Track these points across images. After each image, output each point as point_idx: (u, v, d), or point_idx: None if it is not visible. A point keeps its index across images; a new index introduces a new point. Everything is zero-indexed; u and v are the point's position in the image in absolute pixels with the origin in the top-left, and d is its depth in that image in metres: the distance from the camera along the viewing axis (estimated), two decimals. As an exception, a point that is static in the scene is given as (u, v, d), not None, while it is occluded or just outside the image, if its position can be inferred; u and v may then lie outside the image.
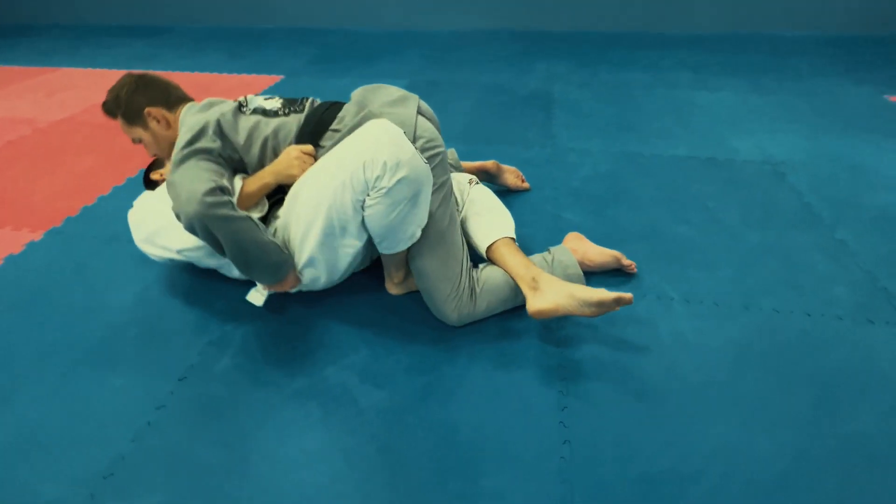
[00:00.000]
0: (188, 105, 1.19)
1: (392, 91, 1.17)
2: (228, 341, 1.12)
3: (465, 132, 2.17)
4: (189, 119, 1.12)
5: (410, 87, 2.68)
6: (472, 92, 2.65)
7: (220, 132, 1.09)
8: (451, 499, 0.79)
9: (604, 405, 0.94)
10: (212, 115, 1.10)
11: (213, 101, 1.19)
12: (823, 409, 0.92)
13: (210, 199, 0.93)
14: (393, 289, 1.22)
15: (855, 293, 1.20)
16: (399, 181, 0.92)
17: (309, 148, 1.08)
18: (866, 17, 3.32)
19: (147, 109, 1.15)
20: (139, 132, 1.19)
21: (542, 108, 2.40)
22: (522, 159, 1.86)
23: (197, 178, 0.97)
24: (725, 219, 1.50)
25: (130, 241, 1.25)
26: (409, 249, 1.08)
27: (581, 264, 1.18)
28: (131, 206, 1.24)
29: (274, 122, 1.12)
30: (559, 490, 0.80)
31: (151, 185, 1.34)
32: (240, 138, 1.10)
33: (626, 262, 1.25)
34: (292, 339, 1.13)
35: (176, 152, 1.04)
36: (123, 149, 2.11)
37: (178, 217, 0.99)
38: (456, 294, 1.06)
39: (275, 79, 2.95)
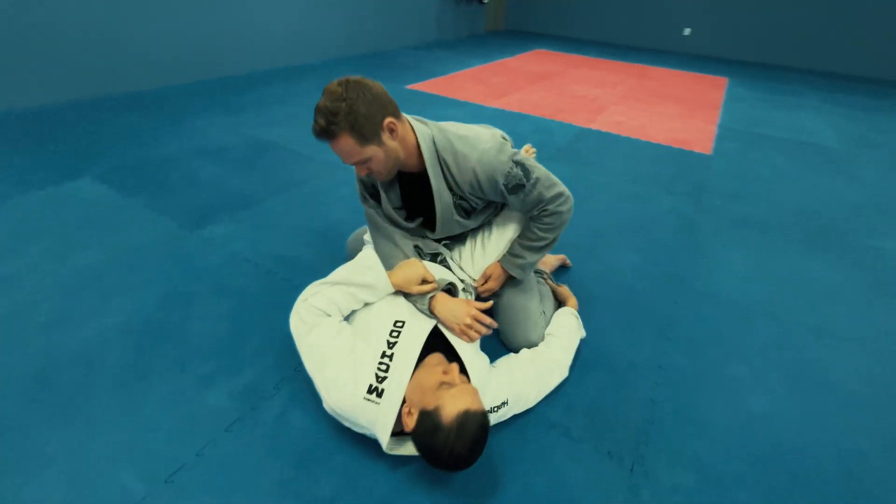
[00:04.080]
0: (415, 121, 1.11)
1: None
2: None
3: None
4: (458, 131, 1.12)
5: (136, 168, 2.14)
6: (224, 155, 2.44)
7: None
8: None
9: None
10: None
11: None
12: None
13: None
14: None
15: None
16: None
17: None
18: (371, 41, 5.16)
19: (387, 121, 0.99)
20: (372, 150, 1.00)
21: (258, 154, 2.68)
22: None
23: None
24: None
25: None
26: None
27: (544, 265, 1.65)
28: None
29: None
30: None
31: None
32: None
33: (567, 261, 1.74)
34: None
35: (514, 151, 1.12)
36: None
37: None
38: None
39: None
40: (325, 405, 1.01)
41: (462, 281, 1.30)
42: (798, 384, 1.33)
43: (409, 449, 0.99)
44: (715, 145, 3.27)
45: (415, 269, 1.16)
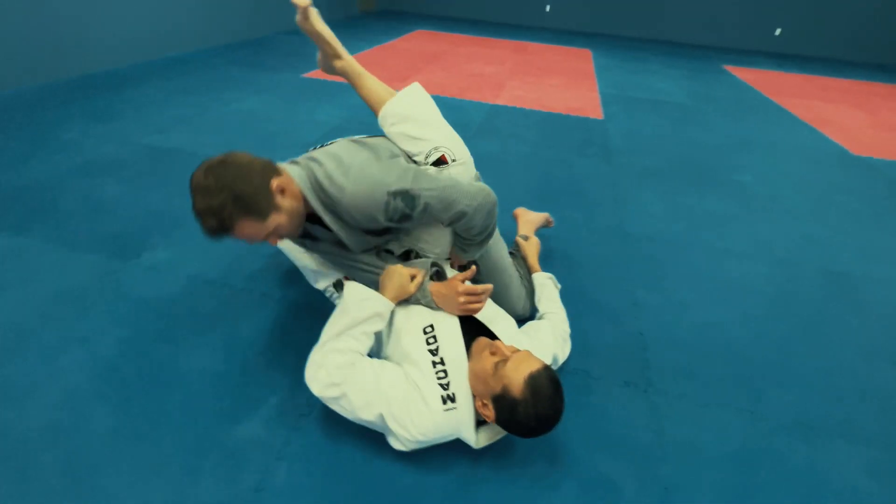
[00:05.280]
0: (289, 166, 1.03)
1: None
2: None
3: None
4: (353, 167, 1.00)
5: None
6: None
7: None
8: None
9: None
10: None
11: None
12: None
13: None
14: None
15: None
16: None
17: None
18: (243, 28, 4.59)
19: (275, 183, 0.92)
20: (275, 220, 0.94)
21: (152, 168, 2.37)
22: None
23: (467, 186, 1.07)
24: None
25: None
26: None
27: (529, 224, 1.74)
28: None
29: None
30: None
31: None
32: None
33: (550, 219, 1.85)
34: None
35: (400, 174, 1.00)
36: None
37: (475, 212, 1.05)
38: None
39: None
40: (406, 441, 0.95)
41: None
42: (728, 295, 1.67)
43: (491, 435, 1.03)
44: (603, 110, 3.71)
45: (398, 273, 1.11)
